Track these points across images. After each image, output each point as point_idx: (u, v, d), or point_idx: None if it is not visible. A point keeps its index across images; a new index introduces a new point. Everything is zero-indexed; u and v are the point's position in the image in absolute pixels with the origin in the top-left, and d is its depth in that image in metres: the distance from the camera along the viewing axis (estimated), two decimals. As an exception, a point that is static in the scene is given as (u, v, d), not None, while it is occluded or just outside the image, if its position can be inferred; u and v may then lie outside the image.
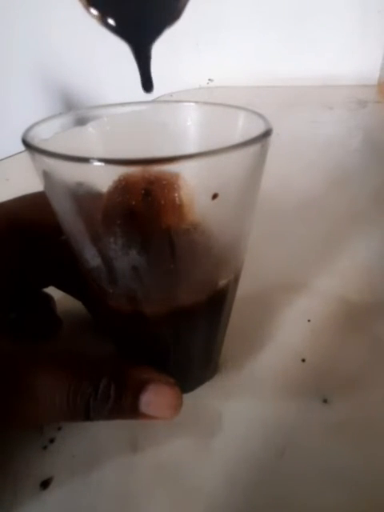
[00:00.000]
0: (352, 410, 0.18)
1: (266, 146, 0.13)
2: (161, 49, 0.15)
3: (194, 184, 0.12)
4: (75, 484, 0.16)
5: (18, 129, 0.14)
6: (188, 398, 0.16)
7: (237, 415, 0.18)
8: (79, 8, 0.12)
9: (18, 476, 0.16)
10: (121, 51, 0.15)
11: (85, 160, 0.11)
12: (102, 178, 0.12)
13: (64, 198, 0.13)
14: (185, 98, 0.24)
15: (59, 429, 0.18)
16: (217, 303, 0.16)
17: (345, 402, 0.19)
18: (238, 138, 0.12)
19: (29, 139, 0.13)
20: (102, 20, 0.12)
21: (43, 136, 0.14)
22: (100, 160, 0.11)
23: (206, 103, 0.17)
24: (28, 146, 0.12)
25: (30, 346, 0.16)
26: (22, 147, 0.12)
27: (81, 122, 0.16)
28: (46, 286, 0.21)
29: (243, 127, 0.15)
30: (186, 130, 0.17)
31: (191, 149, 0.16)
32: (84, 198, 0.12)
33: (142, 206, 0.13)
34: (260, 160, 0.13)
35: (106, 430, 0.18)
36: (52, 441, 0.17)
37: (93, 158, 0.11)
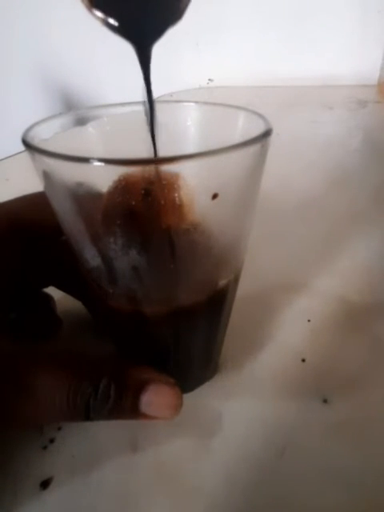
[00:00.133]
0: (352, 410, 0.18)
1: (265, 146, 0.13)
2: (161, 49, 0.15)
3: (194, 184, 0.12)
4: (75, 484, 0.16)
5: (18, 129, 0.14)
6: (188, 397, 0.16)
7: (237, 415, 0.18)
8: (79, 8, 0.12)
9: (18, 476, 0.16)
10: (121, 51, 0.15)
11: (85, 160, 0.11)
12: (102, 178, 0.12)
13: (64, 198, 0.13)
14: (185, 97, 0.24)
15: (59, 429, 0.18)
16: (217, 303, 0.16)
17: (345, 401, 0.19)
18: (238, 138, 0.12)
19: (29, 139, 0.13)
20: (105, 21, 0.12)
21: (43, 136, 0.14)
22: (100, 160, 0.11)
23: (206, 103, 0.17)
24: (28, 146, 0.12)
25: (30, 346, 0.16)
26: (21, 147, 0.12)
27: (81, 121, 0.16)
28: (46, 286, 0.21)
29: (243, 127, 0.15)
30: (186, 130, 0.17)
31: (191, 149, 0.16)
32: (84, 198, 0.12)
33: (142, 206, 0.13)
34: (260, 160, 0.13)
35: (106, 430, 0.18)
36: (52, 441, 0.17)
37: (93, 158, 0.11)
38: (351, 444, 0.17)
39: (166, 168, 0.11)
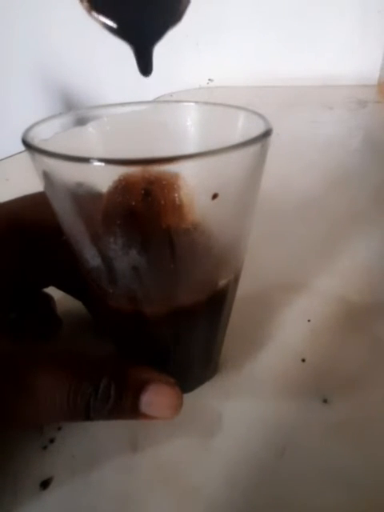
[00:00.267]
0: (352, 410, 0.18)
1: (265, 146, 0.13)
2: (161, 49, 0.15)
3: (193, 184, 0.12)
4: (75, 484, 0.16)
5: (17, 129, 0.14)
6: (188, 397, 0.16)
7: (237, 415, 0.18)
8: (79, 8, 0.12)
9: (18, 476, 0.16)
10: (121, 51, 0.15)
11: (85, 160, 0.11)
12: (102, 178, 0.12)
13: (64, 198, 0.13)
14: (185, 97, 0.24)
15: (59, 429, 0.18)
16: (217, 303, 0.16)
17: (345, 401, 0.19)
18: (238, 138, 0.12)
19: (29, 139, 0.13)
20: (104, 23, 0.12)
21: (43, 136, 0.14)
22: (100, 160, 0.11)
23: (206, 103, 0.17)
24: (28, 146, 0.12)
25: (30, 346, 0.16)
26: (21, 147, 0.12)
27: (81, 121, 0.16)
28: (46, 286, 0.21)
29: (243, 127, 0.15)
30: (186, 130, 0.17)
31: (191, 149, 0.16)
32: (84, 198, 0.12)
33: (142, 206, 0.13)
34: (260, 160, 0.13)
35: (105, 430, 0.18)
36: (52, 441, 0.17)
37: (93, 158, 0.11)
38: (351, 444, 0.17)
39: (166, 168, 0.11)
